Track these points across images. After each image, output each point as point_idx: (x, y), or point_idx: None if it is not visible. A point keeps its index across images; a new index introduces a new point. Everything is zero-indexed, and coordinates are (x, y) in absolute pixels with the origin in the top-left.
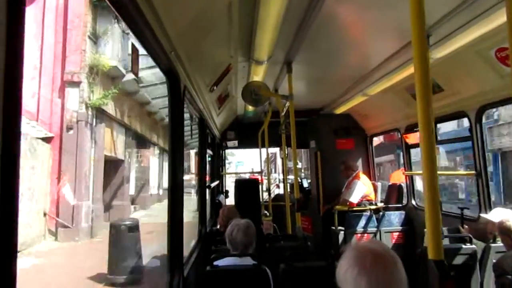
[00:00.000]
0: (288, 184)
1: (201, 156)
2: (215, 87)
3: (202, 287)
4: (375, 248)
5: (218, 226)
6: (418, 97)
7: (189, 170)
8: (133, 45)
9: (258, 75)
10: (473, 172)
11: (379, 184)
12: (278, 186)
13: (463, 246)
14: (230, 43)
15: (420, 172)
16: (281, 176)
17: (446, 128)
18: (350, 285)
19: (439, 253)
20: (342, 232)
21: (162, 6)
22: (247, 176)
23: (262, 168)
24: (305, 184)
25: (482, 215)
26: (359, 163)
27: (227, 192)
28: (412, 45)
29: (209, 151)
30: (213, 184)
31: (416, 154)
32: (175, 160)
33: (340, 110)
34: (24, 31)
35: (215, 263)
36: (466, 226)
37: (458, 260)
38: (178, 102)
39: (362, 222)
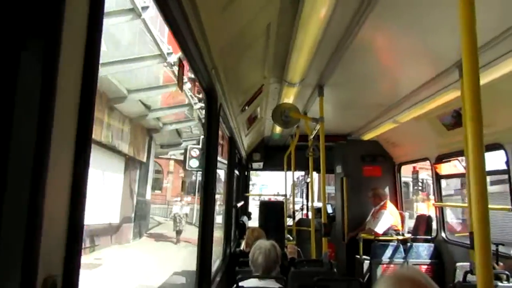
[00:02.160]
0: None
1: (229, 175)
2: (246, 107)
3: None
4: (414, 276)
5: (242, 247)
6: (469, 124)
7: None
8: (179, 60)
9: (289, 97)
10: (509, 207)
11: (406, 214)
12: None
13: (499, 284)
14: (265, 64)
15: (452, 204)
16: (305, 201)
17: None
18: None
19: (490, 285)
20: (367, 261)
21: (208, 23)
22: (272, 198)
23: (287, 191)
24: (329, 210)
25: None
26: (386, 191)
27: (250, 213)
28: (456, 69)
29: (235, 172)
30: (239, 205)
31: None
32: (208, 179)
33: (368, 136)
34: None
35: (240, 284)
36: (501, 264)
37: None
38: (215, 119)
39: (389, 252)
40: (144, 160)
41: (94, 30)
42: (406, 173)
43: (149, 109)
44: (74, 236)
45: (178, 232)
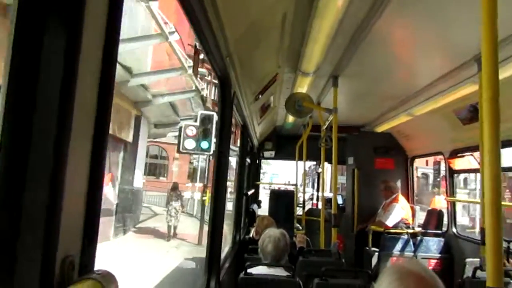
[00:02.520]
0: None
1: (241, 163)
2: (260, 96)
3: None
4: (418, 271)
5: (251, 235)
6: (486, 118)
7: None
8: (195, 47)
9: (303, 86)
10: None
11: (417, 207)
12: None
13: (511, 280)
14: (280, 53)
15: (465, 199)
16: (315, 191)
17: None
18: None
19: (500, 282)
20: (376, 253)
21: (224, 9)
22: (281, 187)
23: (298, 181)
24: (339, 201)
25: None
26: (397, 184)
27: (259, 202)
28: (474, 63)
29: (247, 160)
30: (249, 192)
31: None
32: (221, 166)
33: (382, 128)
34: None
35: (249, 270)
36: None
37: None
38: (228, 106)
39: (398, 245)
40: (130, 139)
41: (114, 11)
42: (425, 164)
43: (130, 73)
44: (92, 218)
45: (172, 227)
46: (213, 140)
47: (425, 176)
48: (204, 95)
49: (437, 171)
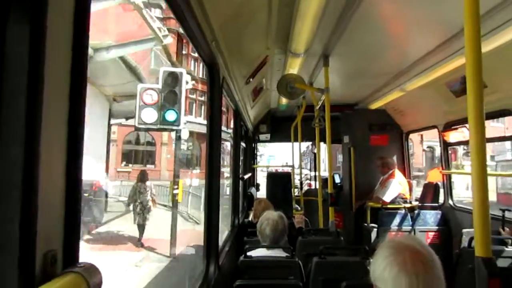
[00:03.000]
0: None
1: (235, 147)
2: (251, 79)
3: (236, 276)
4: (413, 245)
5: (250, 218)
6: (469, 91)
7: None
8: (178, 34)
9: (294, 68)
10: None
11: (414, 182)
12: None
13: (506, 248)
14: (268, 35)
15: (458, 171)
16: (312, 173)
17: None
18: (389, 284)
19: (488, 251)
20: (374, 229)
21: None
22: (279, 169)
23: (294, 162)
24: (337, 180)
25: None
26: (394, 159)
27: (258, 185)
28: (464, 35)
29: (242, 144)
30: (246, 176)
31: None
32: (213, 151)
33: (375, 105)
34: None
35: (248, 253)
36: (507, 229)
37: (499, 262)
38: (217, 93)
39: (396, 220)
40: None
41: None
42: (432, 137)
43: None
44: (73, 211)
45: (141, 228)
46: (183, 110)
47: (431, 149)
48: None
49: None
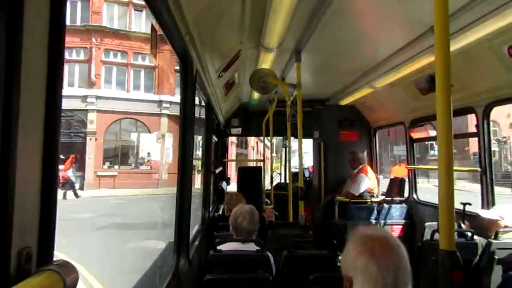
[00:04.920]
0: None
1: (206, 141)
2: (223, 73)
3: (206, 270)
4: (380, 234)
5: (220, 212)
6: (438, 88)
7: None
8: (152, 26)
9: (266, 62)
10: (478, 168)
11: (380, 177)
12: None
13: (465, 240)
14: (242, 29)
15: (423, 166)
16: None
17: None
18: (360, 272)
19: (451, 244)
20: (342, 223)
21: None
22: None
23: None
24: (306, 174)
25: (482, 211)
26: (364, 155)
27: (228, 179)
28: (431, 34)
29: (213, 138)
30: (217, 171)
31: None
32: (185, 144)
33: (346, 101)
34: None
35: (218, 247)
36: (467, 222)
37: (460, 254)
38: (191, 85)
39: (363, 214)
40: None
41: None
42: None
43: None
44: (48, 208)
45: None
46: None
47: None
48: None
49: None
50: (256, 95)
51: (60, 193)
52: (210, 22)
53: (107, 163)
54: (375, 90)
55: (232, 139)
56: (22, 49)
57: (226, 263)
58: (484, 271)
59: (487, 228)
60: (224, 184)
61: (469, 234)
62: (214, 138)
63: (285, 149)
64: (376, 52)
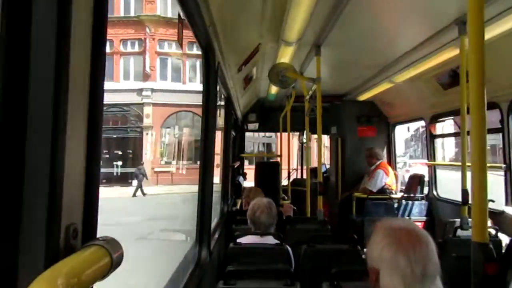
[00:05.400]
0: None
1: (226, 135)
2: (243, 67)
3: (226, 262)
4: (408, 226)
5: (238, 206)
6: (471, 80)
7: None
8: (179, 15)
9: (286, 57)
10: (503, 164)
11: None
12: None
13: (489, 238)
14: (262, 23)
15: (444, 162)
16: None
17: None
18: (388, 263)
19: (484, 236)
20: (359, 219)
21: None
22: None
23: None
24: (323, 170)
25: (507, 208)
26: (382, 151)
27: (245, 174)
28: (468, 21)
29: (232, 132)
30: (235, 165)
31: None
32: (208, 137)
33: (364, 97)
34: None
35: (238, 240)
36: (491, 219)
37: None
38: (213, 78)
39: (381, 211)
40: None
41: None
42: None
43: None
44: (92, 187)
45: None
46: None
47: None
48: None
49: None
50: (273, 90)
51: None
52: (232, 15)
53: (165, 159)
54: (394, 85)
55: None
56: (70, 42)
57: (246, 255)
58: (508, 269)
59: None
60: (241, 178)
61: (493, 231)
62: (232, 133)
63: (302, 145)
64: (397, 46)
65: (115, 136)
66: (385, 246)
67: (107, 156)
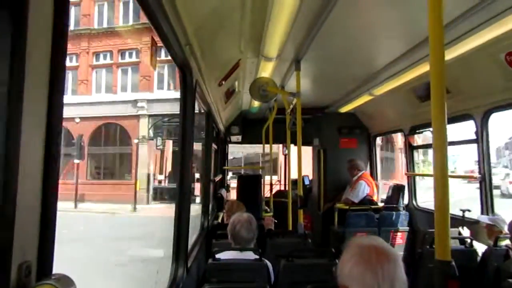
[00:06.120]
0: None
1: (206, 149)
2: (223, 82)
3: (204, 279)
4: (378, 244)
5: (220, 220)
6: (433, 97)
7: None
8: (152, 38)
9: (266, 71)
10: (478, 175)
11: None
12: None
13: (464, 247)
14: (241, 39)
15: (422, 173)
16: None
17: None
18: (356, 281)
19: (447, 254)
20: (341, 231)
21: (181, 1)
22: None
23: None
24: (306, 182)
25: (482, 217)
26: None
27: (228, 186)
28: (428, 43)
29: (213, 145)
30: (216, 179)
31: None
32: (185, 153)
33: (345, 109)
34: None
35: (217, 256)
36: (466, 229)
37: (458, 261)
38: (190, 96)
39: (363, 221)
40: None
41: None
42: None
43: None
44: (48, 222)
45: None
46: None
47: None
48: None
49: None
50: (256, 103)
51: None
52: (210, 32)
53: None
54: (374, 97)
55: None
56: (25, 53)
57: (224, 271)
58: (483, 278)
59: (486, 234)
60: (223, 191)
61: (468, 241)
62: (214, 146)
63: (285, 157)
64: (375, 60)
65: None
66: (354, 264)
67: None
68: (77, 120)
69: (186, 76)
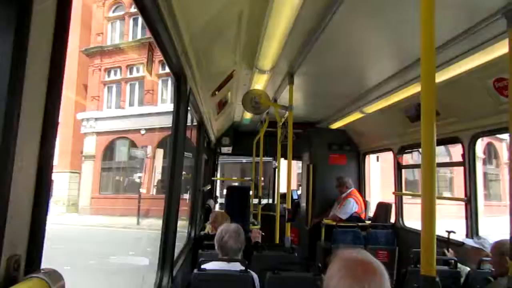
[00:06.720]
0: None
1: (197, 159)
2: (216, 92)
3: None
4: (364, 258)
5: (206, 231)
6: (423, 118)
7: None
8: (149, 45)
9: (260, 83)
10: (463, 197)
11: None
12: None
13: (448, 269)
14: (236, 50)
15: (410, 192)
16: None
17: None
18: None
19: (432, 270)
20: (327, 247)
21: (179, 9)
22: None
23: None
24: (295, 196)
25: (466, 240)
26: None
27: (216, 197)
28: (420, 64)
29: (204, 155)
30: (206, 189)
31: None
32: (175, 162)
33: (336, 125)
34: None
35: (203, 266)
36: (451, 250)
37: (443, 282)
38: (184, 104)
39: (349, 238)
40: None
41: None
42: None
43: None
44: (39, 216)
45: None
46: None
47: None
48: None
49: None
50: (248, 115)
51: None
52: (205, 43)
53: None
54: (365, 115)
55: None
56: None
57: (210, 282)
58: None
59: (471, 256)
60: (211, 202)
61: (452, 262)
62: (204, 156)
63: (274, 170)
64: (367, 79)
65: None
66: (341, 278)
67: None
68: None
69: (180, 84)
